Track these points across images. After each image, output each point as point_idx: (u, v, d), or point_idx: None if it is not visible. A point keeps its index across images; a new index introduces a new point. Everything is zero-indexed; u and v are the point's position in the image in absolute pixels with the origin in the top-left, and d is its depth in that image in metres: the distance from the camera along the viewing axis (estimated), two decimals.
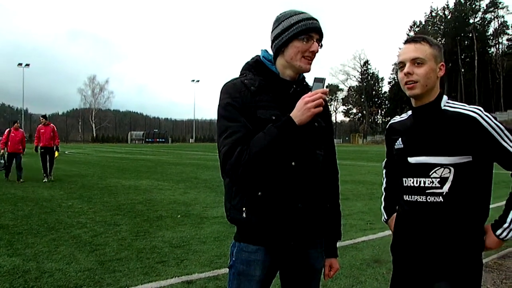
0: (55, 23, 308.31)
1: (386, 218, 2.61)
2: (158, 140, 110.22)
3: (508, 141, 2.02)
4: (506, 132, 2.02)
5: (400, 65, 2.15)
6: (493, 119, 2.03)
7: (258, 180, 2.05)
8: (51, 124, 16.28)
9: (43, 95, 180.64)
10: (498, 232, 2.04)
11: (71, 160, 30.49)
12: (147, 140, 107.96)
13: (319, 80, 2.01)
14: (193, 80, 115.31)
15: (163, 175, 18.27)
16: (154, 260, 5.71)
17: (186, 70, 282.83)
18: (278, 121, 2.04)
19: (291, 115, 1.98)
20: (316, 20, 2.13)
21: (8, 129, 16.32)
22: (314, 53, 2.13)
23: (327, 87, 2.03)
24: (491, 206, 2.17)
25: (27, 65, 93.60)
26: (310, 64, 2.15)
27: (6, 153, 15.89)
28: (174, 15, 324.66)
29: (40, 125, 16.16)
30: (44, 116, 16.33)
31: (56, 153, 16.24)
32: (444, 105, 2.14)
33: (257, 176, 2.01)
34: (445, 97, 2.17)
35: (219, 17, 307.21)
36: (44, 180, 15.38)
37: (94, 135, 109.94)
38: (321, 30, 2.14)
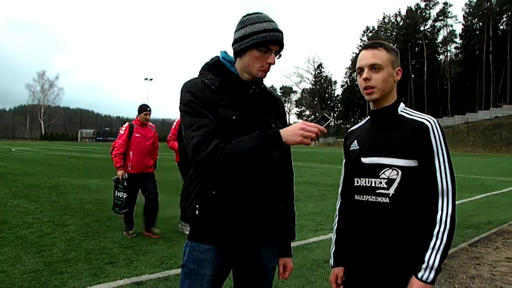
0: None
1: (333, 265, 2.45)
2: (109, 138, 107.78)
3: (442, 163, 2.03)
4: (446, 155, 2.04)
5: (359, 71, 2.20)
6: (441, 136, 2.06)
7: (212, 179, 2.06)
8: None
9: None
10: (420, 274, 1.98)
11: (18, 158, 29.55)
12: (98, 138, 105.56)
13: (325, 119, 2.00)
14: (146, 79, 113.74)
15: (113, 174, 17.88)
16: (103, 261, 5.62)
17: (139, 68, 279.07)
18: (238, 121, 2.08)
19: (281, 131, 1.95)
20: (280, 31, 2.13)
21: (128, 124, 7.57)
22: (270, 65, 2.15)
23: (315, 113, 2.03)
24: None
25: None
26: (266, 73, 2.18)
27: (126, 175, 7.58)
28: (127, 13, 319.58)
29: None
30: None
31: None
32: (401, 111, 2.22)
33: (226, 175, 2.01)
34: (402, 104, 2.25)
35: (173, 15, 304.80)
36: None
37: (43, 132, 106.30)
38: (282, 42, 2.14)
